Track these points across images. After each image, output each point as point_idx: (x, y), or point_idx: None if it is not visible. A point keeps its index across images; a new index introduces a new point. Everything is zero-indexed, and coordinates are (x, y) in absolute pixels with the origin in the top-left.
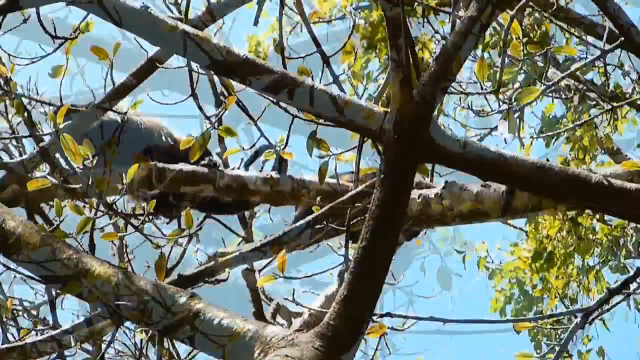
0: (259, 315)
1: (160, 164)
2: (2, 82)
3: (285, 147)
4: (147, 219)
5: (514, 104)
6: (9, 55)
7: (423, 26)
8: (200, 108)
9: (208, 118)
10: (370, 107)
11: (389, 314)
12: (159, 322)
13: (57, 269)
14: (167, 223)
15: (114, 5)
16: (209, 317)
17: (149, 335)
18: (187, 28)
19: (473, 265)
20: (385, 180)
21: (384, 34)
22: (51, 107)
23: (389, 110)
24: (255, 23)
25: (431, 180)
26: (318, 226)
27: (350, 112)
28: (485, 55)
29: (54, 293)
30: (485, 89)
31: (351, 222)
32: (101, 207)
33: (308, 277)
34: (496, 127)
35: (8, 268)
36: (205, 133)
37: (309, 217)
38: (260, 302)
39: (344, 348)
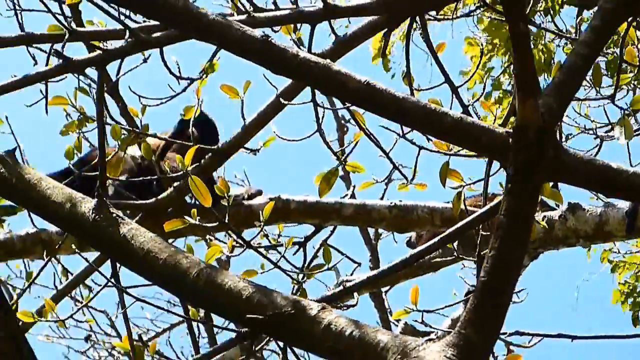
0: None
1: (284, 196)
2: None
3: (413, 178)
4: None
5: (630, 109)
6: (139, 96)
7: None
8: (327, 144)
9: (335, 154)
10: (493, 127)
11: (517, 332)
12: (290, 334)
13: (188, 284)
14: None
15: (233, 37)
16: (340, 328)
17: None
18: (311, 57)
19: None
20: (511, 191)
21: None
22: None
23: (512, 123)
24: (383, 55)
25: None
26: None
27: (474, 134)
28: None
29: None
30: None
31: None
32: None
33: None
34: (608, 131)
35: (127, 293)
36: (333, 170)
37: (435, 240)
38: (388, 322)
39: (476, 357)
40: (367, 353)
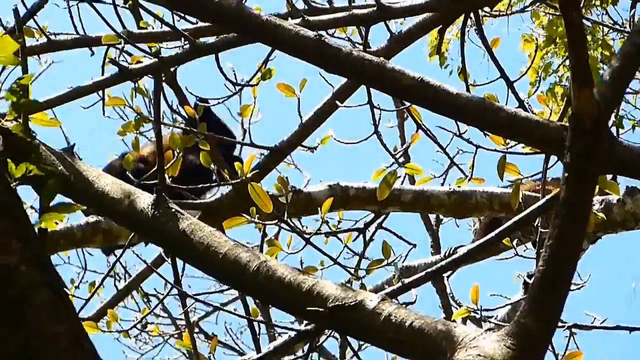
0: (448, 319)
1: (343, 183)
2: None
3: (471, 176)
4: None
5: None
6: (196, 97)
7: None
8: (385, 147)
9: (394, 156)
10: (548, 121)
11: (575, 325)
12: (350, 326)
13: (248, 278)
14: None
15: (287, 37)
16: (401, 319)
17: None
18: (365, 55)
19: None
20: (568, 180)
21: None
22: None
23: (568, 114)
24: (439, 52)
25: None
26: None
27: (529, 128)
28: None
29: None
30: None
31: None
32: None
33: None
34: None
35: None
36: (392, 173)
37: (494, 234)
38: (450, 307)
39: (535, 346)
40: (427, 343)
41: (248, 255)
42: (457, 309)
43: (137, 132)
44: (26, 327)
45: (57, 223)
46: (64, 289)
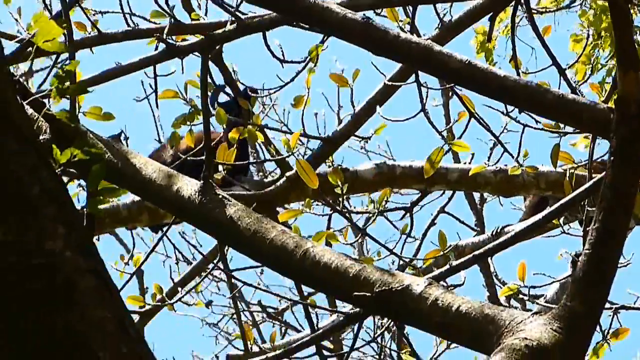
0: (494, 299)
1: (390, 162)
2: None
3: (518, 154)
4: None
5: None
6: (246, 87)
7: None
8: (431, 123)
9: (440, 133)
10: (596, 103)
11: (623, 307)
12: (397, 311)
13: (295, 264)
14: None
15: (335, 20)
16: (447, 303)
17: (385, 326)
18: (412, 38)
19: None
20: (614, 164)
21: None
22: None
23: (614, 97)
24: (489, 39)
25: None
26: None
27: (576, 110)
28: None
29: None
30: None
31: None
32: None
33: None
34: None
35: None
36: (438, 150)
37: (546, 213)
38: (494, 286)
39: (582, 329)
40: (474, 327)
41: (295, 241)
42: (501, 287)
43: (191, 124)
44: (72, 313)
45: (101, 208)
46: (109, 274)
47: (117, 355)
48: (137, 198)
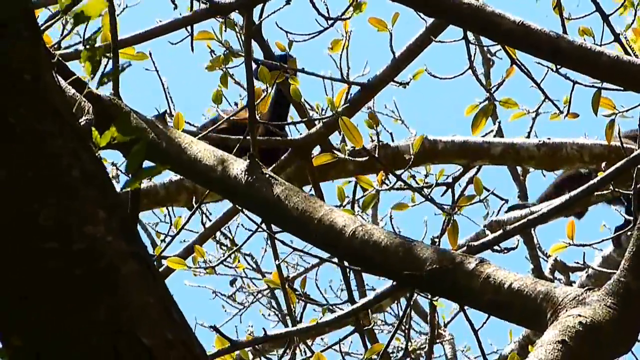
0: (538, 271)
1: (432, 137)
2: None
3: (568, 111)
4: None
5: None
6: (286, 32)
7: None
8: (479, 81)
9: (487, 89)
10: None
11: None
12: (448, 289)
13: (344, 242)
14: None
15: None
16: (499, 281)
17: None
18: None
19: None
20: None
21: None
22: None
23: None
24: None
25: None
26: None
27: (631, 72)
28: None
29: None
30: None
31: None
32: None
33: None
34: None
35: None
36: (487, 106)
37: (594, 181)
38: (537, 258)
39: (637, 305)
40: (526, 305)
41: (344, 219)
42: (546, 260)
43: (225, 67)
44: (115, 299)
45: (142, 197)
46: (151, 258)
47: (162, 341)
48: (175, 177)
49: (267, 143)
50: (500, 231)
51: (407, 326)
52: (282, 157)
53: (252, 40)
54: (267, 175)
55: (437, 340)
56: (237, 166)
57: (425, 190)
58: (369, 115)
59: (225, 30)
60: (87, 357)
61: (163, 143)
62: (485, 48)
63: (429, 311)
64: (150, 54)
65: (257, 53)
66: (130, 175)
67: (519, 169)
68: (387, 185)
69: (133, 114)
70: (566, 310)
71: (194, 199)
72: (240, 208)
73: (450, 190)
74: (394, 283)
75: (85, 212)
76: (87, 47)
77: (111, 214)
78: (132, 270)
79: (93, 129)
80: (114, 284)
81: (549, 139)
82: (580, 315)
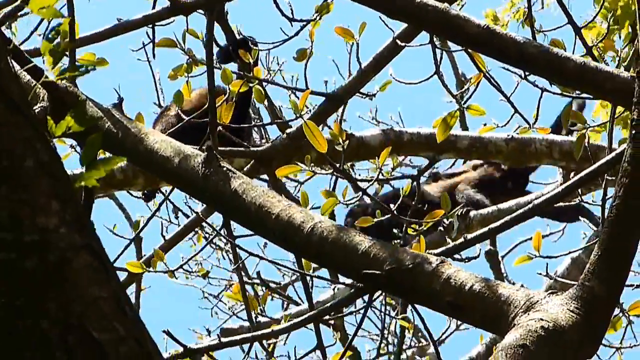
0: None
1: (397, 128)
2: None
3: (535, 121)
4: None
5: None
6: (249, 41)
7: None
8: (446, 87)
9: (454, 96)
10: (618, 72)
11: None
12: (408, 289)
13: (302, 239)
14: None
15: None
16: (460, 282)
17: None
18: (429, 1)
19: None
20: (635, 137)
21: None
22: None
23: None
24: None
25: None
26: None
27: (598, 79)
28: None
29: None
30: None
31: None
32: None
33: (558, 256)
34: None
35: (238, 247)
36: (452, 113)
37: (565, 185)
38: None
39: (600, 310)
40: (488, 307)
41: (302, 215)
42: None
43: (188, 75)
44: (67, 293)
45: (98, 180)
46: (104, 251)
47: (114, 336)
48: None
49: (229, 154)
50: (462, 239)
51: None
52: (245, 168)
53: (215, 23)
54: (225, 169)
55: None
56: (195, 158)
57: (391, 183)
58: (334, 126)
59: (185, 41)
60: (37, 352)
61: (119, 133)
62: (458, 68)
63: (399, 331)
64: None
65: (220, 37)
66: (84, 167)
67: None
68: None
69: (89, 102)
70: (528, 313)
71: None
72: (202, 217)
73: (415, 183)
74: (352, 289)
75: (39, 203)
76: (49, 38)
77: (65, 205)
78: (84, 263)
79: (48, 117)
80: (65, 277)
81: (517, 133)
82: (542, 319)
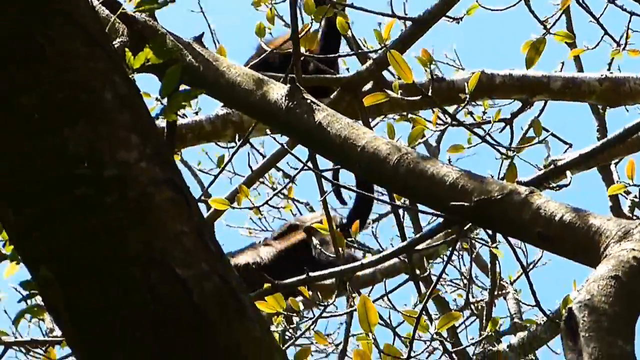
0: (617, 211)
1: (489, 71)
2: None
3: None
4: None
5: None
6: None
7: None
8: (532, 12)
9: (542, 22)
10: None
11: None
12: (497, 221)
13: (388, 171)
14: None
15: None
16: (550, 213)
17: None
18: None
19: None
20: None
21: None
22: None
23: None
24: None
25: None
26: None
27: None
28: None
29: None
30: None
31: None
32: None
33: None
34: None
35: (324, 177)
36: (539, 40)
37: None
38: (617, 197)
39: None
40: (578, 238)
41: (388, 147)
42: (626, 197)
43: (272, 3)
44: (148, 228)
45: (177, 114)
46: (187, 185)
47: (198, 272)
48: (221, 111)
49: (313, 81)
50: (552, 166)
51: (467, 277)
52: (331, 96)
53: None
54: (309, 101)
55: (500, 293)
56: (278, 90)
57: (482, 127)
58: (422, 51)
59: None
60: (119, 289)
61: (200, 66)
62: None
63: (489, 259)
64: None
65: None
66: (165, 99)
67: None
68: (442, 123)
69: (169, 36)
70: (620, 243)
71: (236, 137)
72: (286, 148)
73: (509, 127)
74: (441, 220)
75: (118, 137)
76: None
77: (145, 139)
78: (166, 198)
79: (127, 50)
80: (146, 212)
81: (611, 73)
82: (634, 250)
